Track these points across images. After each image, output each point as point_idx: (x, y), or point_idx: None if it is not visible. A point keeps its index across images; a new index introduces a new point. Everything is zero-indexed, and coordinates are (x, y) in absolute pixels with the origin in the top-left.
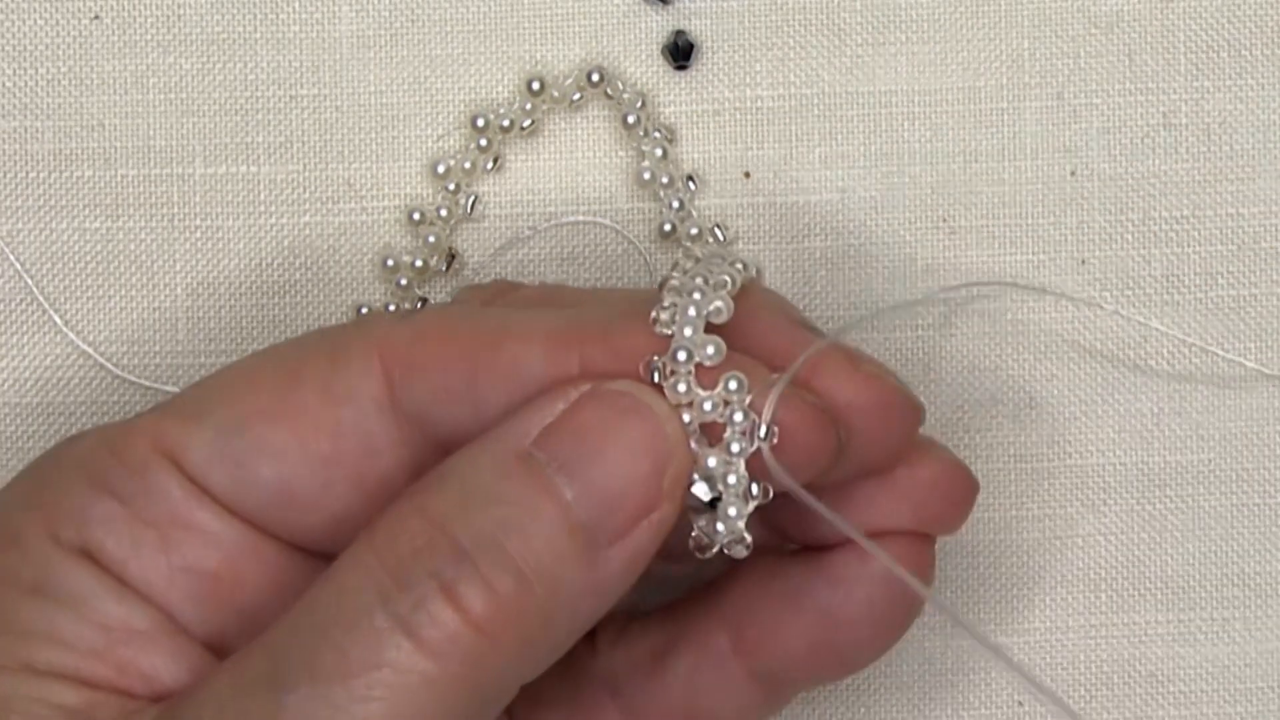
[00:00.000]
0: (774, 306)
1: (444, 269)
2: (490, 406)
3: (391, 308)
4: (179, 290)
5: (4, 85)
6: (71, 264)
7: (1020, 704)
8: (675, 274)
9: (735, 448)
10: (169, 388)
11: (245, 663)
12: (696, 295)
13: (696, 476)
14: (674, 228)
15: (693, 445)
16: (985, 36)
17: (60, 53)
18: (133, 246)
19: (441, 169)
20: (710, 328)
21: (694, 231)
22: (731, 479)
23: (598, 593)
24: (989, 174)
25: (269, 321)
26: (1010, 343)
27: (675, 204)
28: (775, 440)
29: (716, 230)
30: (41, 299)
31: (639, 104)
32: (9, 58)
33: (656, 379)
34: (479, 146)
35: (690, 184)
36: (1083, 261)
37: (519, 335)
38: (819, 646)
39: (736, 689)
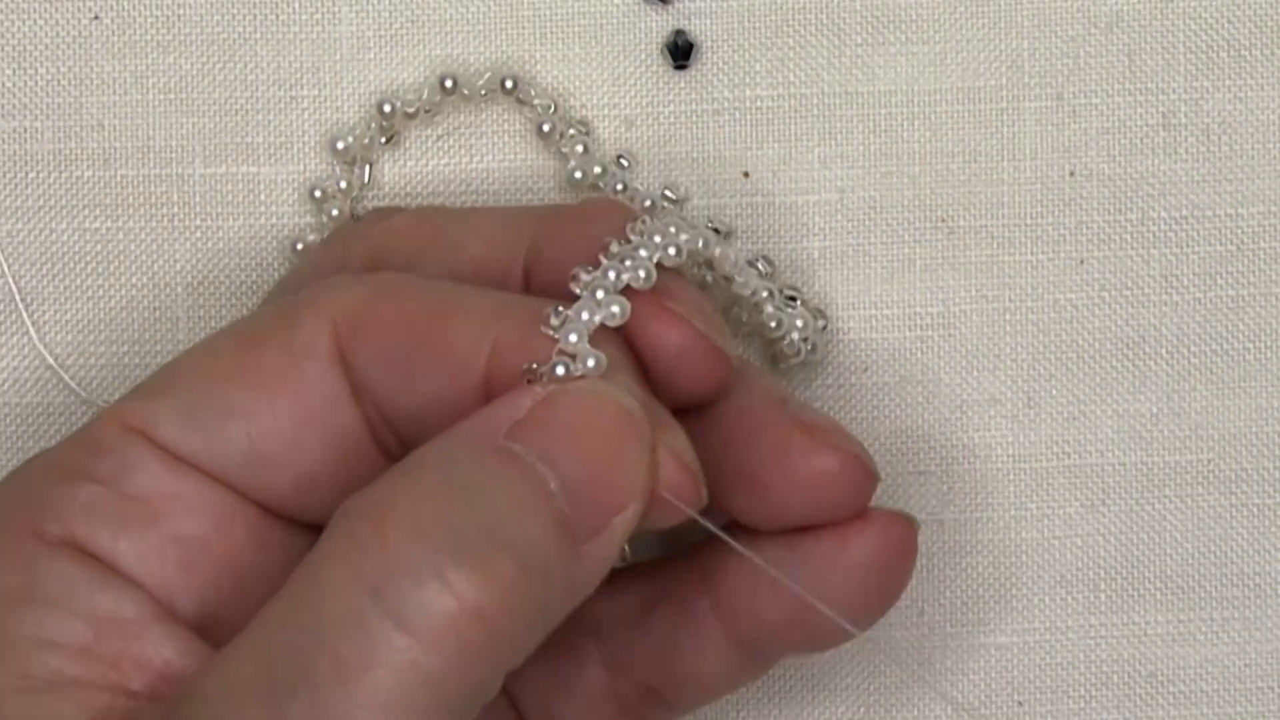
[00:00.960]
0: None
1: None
2: (423, 376)
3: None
4: (179, 290)
5: (4, 85)
6: (71, 264)
7: (1020, 703)
8: (584, 270)
9: (586, 314)
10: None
11: (240, 662)
12: (600, 293)
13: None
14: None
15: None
16: (985, 37)
17: (60, 53)
18: (133, 246)
19: (341, 145)
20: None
21: (647, 204)
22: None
23: (576, 588)
24: (988, 174)
25: None
26: (1010, 343)
27: (620, 187)
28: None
29: (667, 193)
30: (23, 311)
31: (551, 109)
32: (9, 58)
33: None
34: (380, 127)
35: (623, 163)
36: (1081, 261)
37: (460, 310)
38: (796, 622)
39: (716, 651)
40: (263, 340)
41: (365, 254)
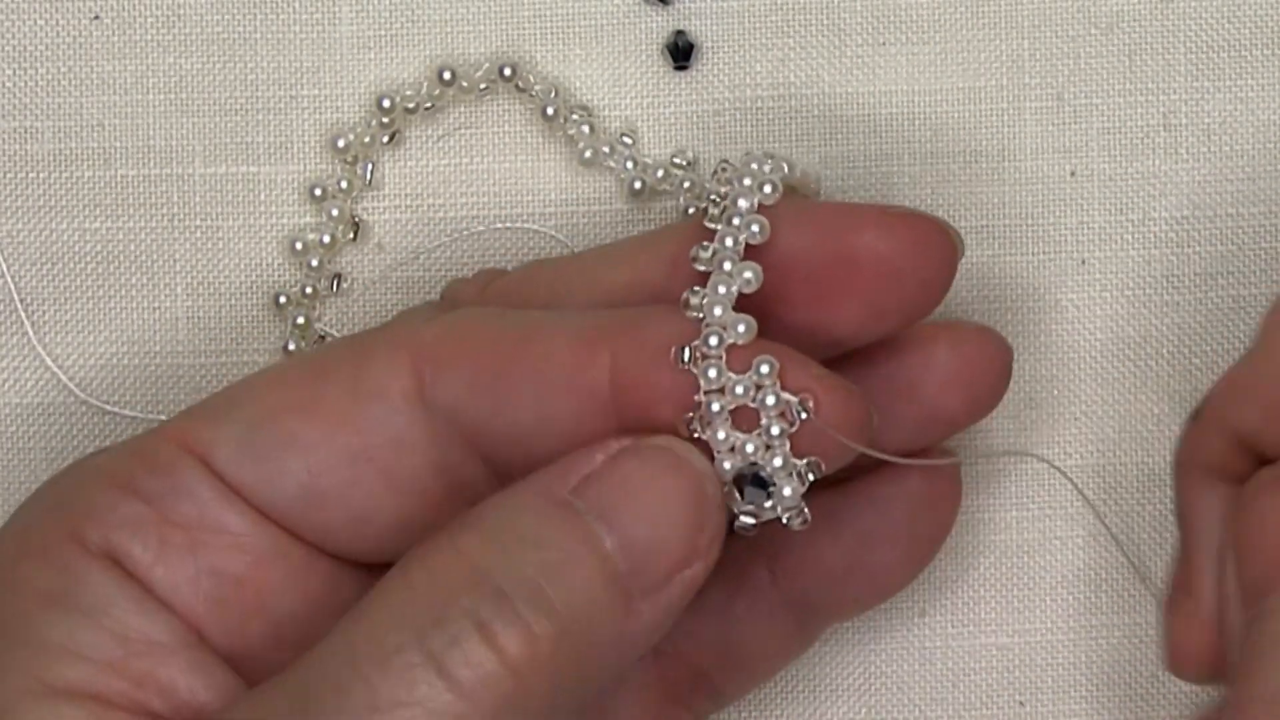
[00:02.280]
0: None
1: (351, 238)
2: (519, 402)
3: (309, 289)
4: (179, 290)
5: (4, 85)
6: (71, 264)
7: (1022, 704)
8: (700, 248)
9: (775, 430)
10: (155, 416)
11: (272, 694)
12: (726, 266)
13: (730, 466)
14: (643, 185)
15: (723, 432)
16: (985, 37)
17: (60, 53)
18: (133, 246)
19: (341, 143)
20: (745, 301)
21: (659, 174)
22: (777, 460)
23: (628, 644)
24: (989, 174)
25: (269, 321)
26: (1011, 343)
27: (630, 164)
28: (812, 415)
29: (675, 160)
30: (22, 311)
31: (552, 94)
32: (9, 58)
33: (688, 364)
34: (380, 124)
35: (626, 140)
36: (1083, 262)
37: (548, 330)
38: (855, 568)
39: (770, 619)
40: (331, 374)
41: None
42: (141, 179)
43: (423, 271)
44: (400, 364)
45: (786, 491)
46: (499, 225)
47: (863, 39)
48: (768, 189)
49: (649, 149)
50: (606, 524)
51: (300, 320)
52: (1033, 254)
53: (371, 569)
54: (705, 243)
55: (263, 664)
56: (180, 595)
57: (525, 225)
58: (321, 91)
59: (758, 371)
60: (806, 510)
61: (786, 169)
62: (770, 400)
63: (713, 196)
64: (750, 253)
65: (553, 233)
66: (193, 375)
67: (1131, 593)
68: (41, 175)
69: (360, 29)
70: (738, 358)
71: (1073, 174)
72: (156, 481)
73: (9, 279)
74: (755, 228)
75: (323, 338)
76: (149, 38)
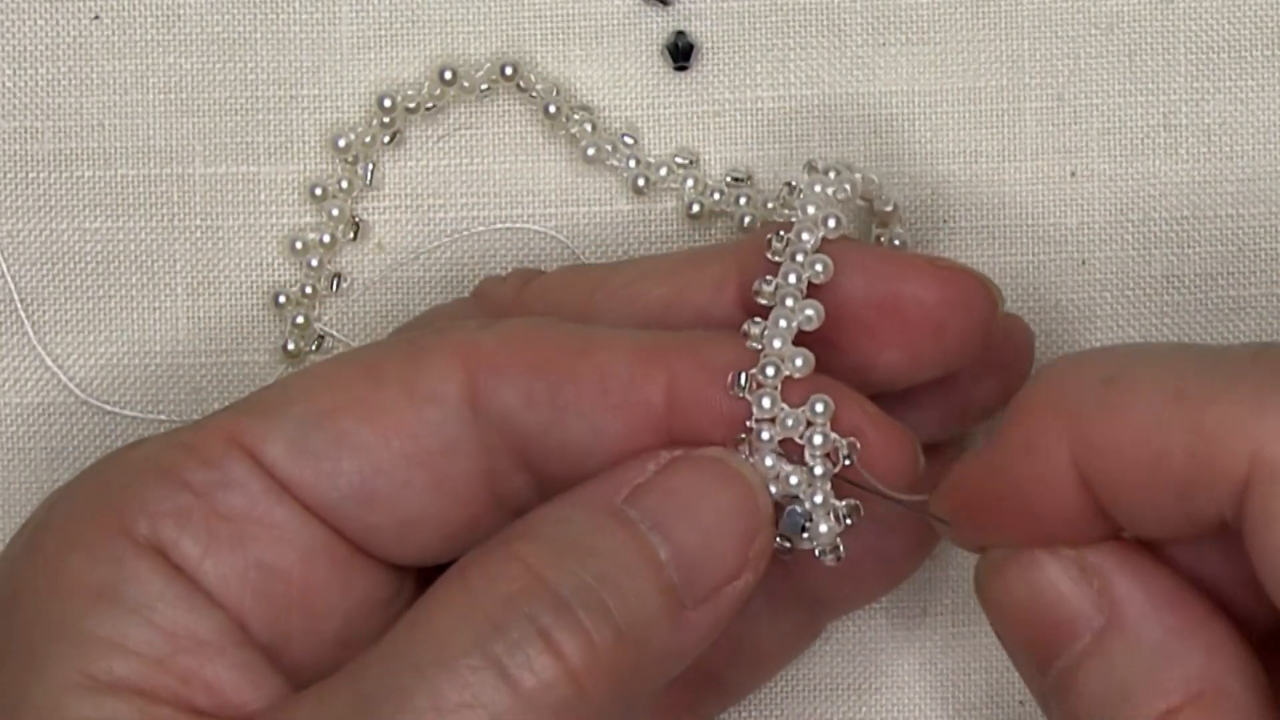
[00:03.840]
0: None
1: (352, 238)
2: (573, 414)
3: (309, 289)
4: (179, 290)
5: (4, 85)
6: (71, 264)
7: (1022, 704)
8: (764, 283)
9: (819, 470)
10: (155, 416)
11: (332, 697)
12: (789, 303)
13: (774, 491)
14: (646, 182)
15: (770, 460)
16: (985, 37)
17: (60, 53)
18: (133, 246)
19: (342, 143)
20: (802, 335)
21: (662, 172)
22: (818, 498)
23: (679, 652)
24: (989, 174)
25: (269, 321)
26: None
27: (632, 163)
28: (855, 462)
29: (678, 159)
30: (21, 311)
31: (554, 92)
32: (9, 58)
33: (744, 391)
34: (381, 124)
35: (627, 141)
36: (1083, 262)
37: (605, 345)
38: (866, 556)
39: (782, 613)
40: (384, 375)
41: (515, 307)
42: (141, 179)
43: (423, 271)
44: (454, 368)
45: (823, 529)
46: (499, 225)
47: (863, 39)
48: (831, 223)
49: (650, 149)
50: (660, 533)
51: (300, 320)
52: (1033, 254)
53: (404, 571)
54: (769, 276)
55: (298, 661)
56: (227, 588)
57: (526, 225)
58: (322, 91)
59: (812, 409)
60: (841, 548)
61: (850, 189)
62: (818, 439)
63: (779, 230)
64: (810, 290)
65: (553, 233)
66: (193, 375)
67: None
68: (41, 175)
69: (360, 29)
70: (792, 390)
71: (1073, 174)
72: (206, 473)
73: (9, 279)
74: (819, 267)
75: (322, 338)
76: (149, 38)
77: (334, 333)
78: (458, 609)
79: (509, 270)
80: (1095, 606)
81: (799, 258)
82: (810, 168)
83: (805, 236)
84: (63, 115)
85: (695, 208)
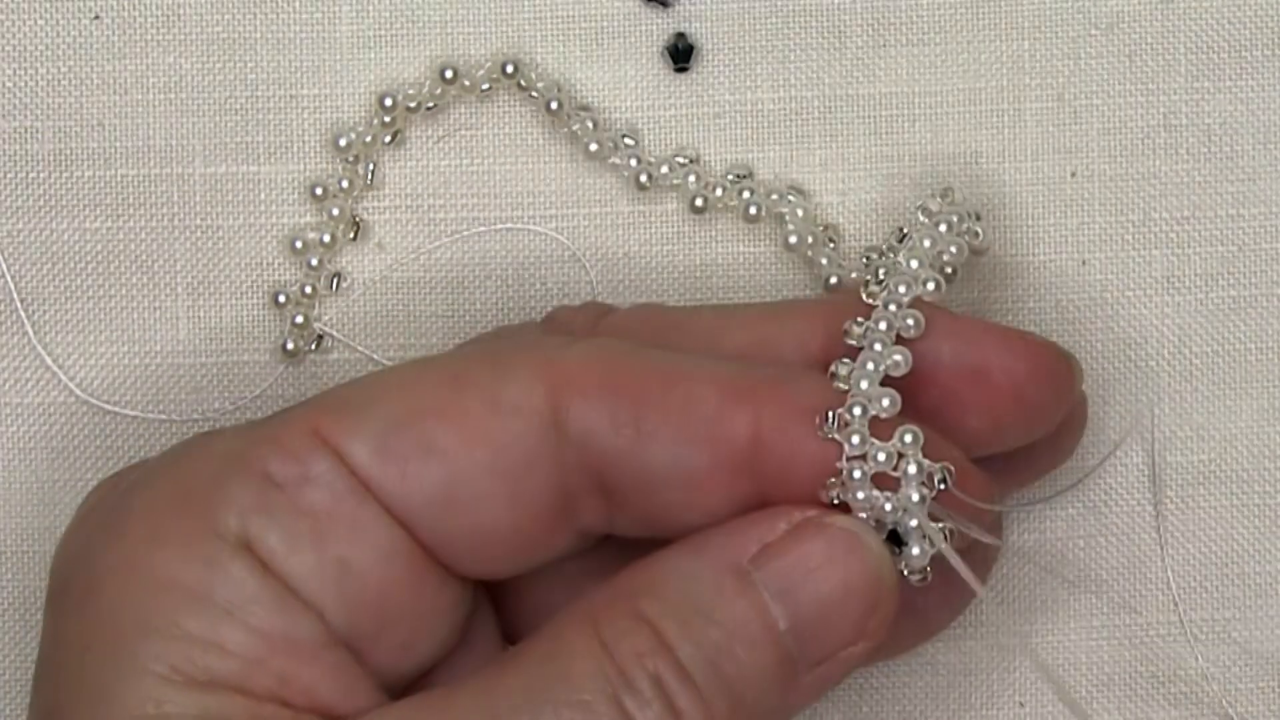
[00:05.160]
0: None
1: (352, 238)
2: (656, 442)
3: (309, 289)
4: (179, 290)
5: (4, 85)
6: (71, 264)
7: (1021, 705)
8: (855, 323)
9: (915, 496)
10: (155, 415)
11: (460, 713)
12: (878, 347)
13: (870, 517)
14: (649, 179)
15: (862, 493)
16: (986, 38)
17: (60, 53)
18: (133, 246)
19: (343, 142)
20: (888, 379)
21: (664, 170)
22: (912, 522)
23: (786, 713)
24: (989, 175)
25: (269, 321)
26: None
27: (634, 161)
28: (953, 485)
29: (679, 159)
30: (21, 311)
31: (556, 90)
32: (9, 58)
33: (833, 430)
34: (383, 123)
35: (628, 142)
36: (1083, 262)
37: (693, 376)
38: (906, 607)
39: None
40: (468, 383)
41: (591, 337)
42: (141, 179)
43: (423, 271)
44: (539, 383)
45: (915, 551)
46: (499, 225)
47: (863, 40)
48: (930, 285)
49: (650, 150)
50: (783, 602)
51: (299, 320)
52: (1033, 254)
53: (465, 583)
54: (860, 319)
55: (369, 661)
56: (311, 587)
57: (526, 225)
58: (322, 91)
59: (901, 440)
60: (930, 570)
61: (956, 251)
62: (912, 469)
63: (878, 274)
64: (899, 342)
65: (554, 233)
66: (193, 374)
67: (1132, 593)
68: (41, 175)
69: (360, 29)
70: (881, 430)
71: (1073, 175)
72: (290, 468)
73: (9, 279)
74: (910, 321)
75: (321, 337)
76: (149, 38)
77: (334, 332)
78: (587, 655)
79: (509, 271)
80: None
81: (893, 307)
82: (925, 210)
83: (902, 289)
84: (63, 115)
85: (699, 202)
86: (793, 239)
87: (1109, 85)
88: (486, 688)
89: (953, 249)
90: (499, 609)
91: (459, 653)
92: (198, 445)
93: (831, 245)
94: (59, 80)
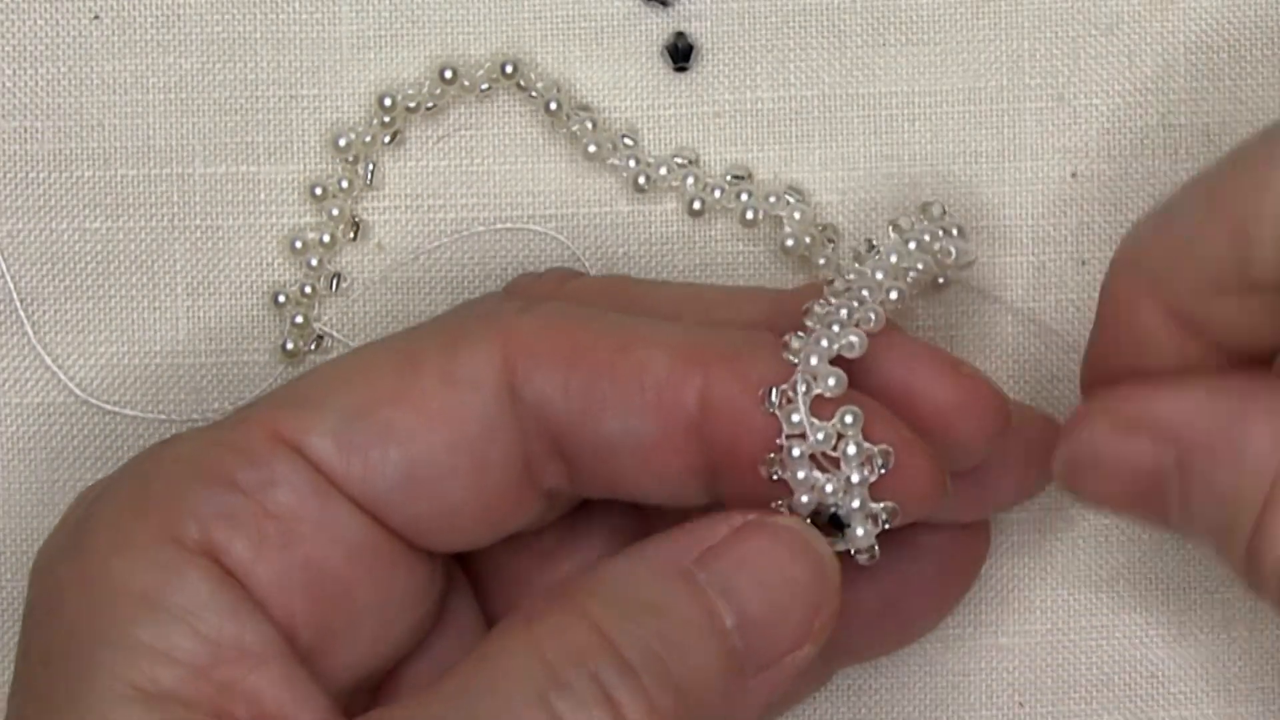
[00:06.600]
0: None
1: (352, 238)
2: (608, 409)
3: (308, 289)
4: (179, 290)
5: (4, 85)
6: (71, 264)
7: (1021, 705)
8: (818, 304)
9: (855, 478)
10: (155, 416)
11: None
12: (835, 327)
13: (807, 501)
14: (648, 179)
15: (801, 472)
16: (986, 38)
17: (60, 53)
18: (133, 246)
19: (343, 142)
20: (841, 360)
21: (663, 171)
22: (854, 503)
23: (735, 717)
24: (989, 175)
25: (269, 321)
26: (1010, 344)
27: (633, 162)
28: (891, 467)
29: (677, 159)
30: (21, 311)
31: (555, 90)
32: (9, 58)
33: (774, 406)
34: (382, 123)
35: (627, 142)
36: (1083, 262)
37: (646, 340)
38: (889, 611)
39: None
40: (423, 362)
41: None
42: (141, 179)
43: (423, 271)
44: (493, 353)
45: (859, 532)
46: (499, 225)
47: (863, 40)
48: (894, 295)
49: (650, 150)
50: (728, 600)
51: (299, 320)
52: (1033, 254)
53: (435, 559)
54: (823, 301)
55: (337, 660)
56: (278, 591)
57: (526, 225)
58: (322, 91)
59: (841, 421)
60: (876, 548)
61: (923, 268)
62: (851, 450)
63: (849, 275)
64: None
65: (554, 233)
66: (193, 375)
67: (1132, 593)
68: (41, 175)
69: (360, 29)
70: (825, 408)
71: (1073, 175)
72: (253, 473)
73: (9, 279)
74: (872, 315)
75: (321, 337)
76: (149, 38)
77: (334, 332)
78: (522, 661)
79: (509, 271)
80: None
81: (854, 303)
82: (896, 226)
83: (865, 294)
84: (63, 115)
85: (697, 204)
86: (789, 242)
87: (1109, 85)
88: (419, 703)
89: (919, 265)
90: (478, 590)
91: (437, 636)
92: (158, 452)
93: (830, 246)
94: (59, 80)
